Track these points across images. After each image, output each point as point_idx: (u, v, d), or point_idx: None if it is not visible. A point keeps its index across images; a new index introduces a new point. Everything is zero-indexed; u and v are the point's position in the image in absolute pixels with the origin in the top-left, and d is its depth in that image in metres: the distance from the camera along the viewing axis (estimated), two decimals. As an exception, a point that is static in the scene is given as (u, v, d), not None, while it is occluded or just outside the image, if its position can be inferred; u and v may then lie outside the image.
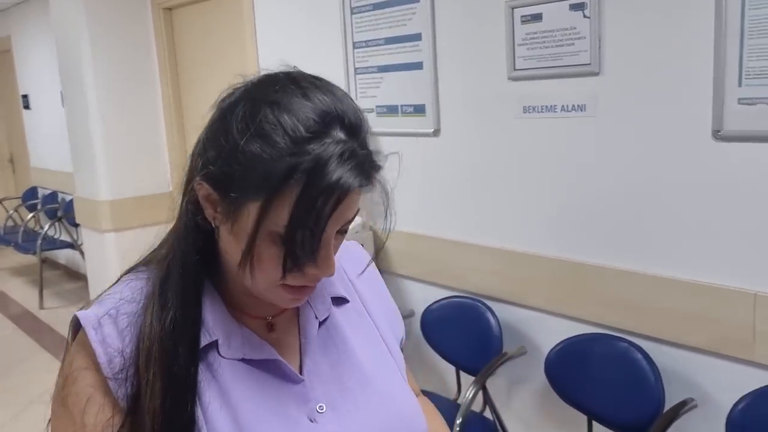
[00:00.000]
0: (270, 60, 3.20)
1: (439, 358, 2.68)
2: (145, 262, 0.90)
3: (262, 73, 0.83)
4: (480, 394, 2.41)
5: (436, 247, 2.72)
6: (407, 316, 2.85)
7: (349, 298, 0.99)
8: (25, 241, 6.13)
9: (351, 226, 2.86)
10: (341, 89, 0.82)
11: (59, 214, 6.08)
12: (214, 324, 0.85)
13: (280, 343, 0.89)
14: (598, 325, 2.23)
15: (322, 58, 3.06)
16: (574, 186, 2.24)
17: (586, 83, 2.14)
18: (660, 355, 2.06)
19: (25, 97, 6.79)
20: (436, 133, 2.64)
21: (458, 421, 2.21)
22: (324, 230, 0.75)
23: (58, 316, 5.29)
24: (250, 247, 0.77)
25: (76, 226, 5.26)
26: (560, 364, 2.27)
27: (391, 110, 2.80)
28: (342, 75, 2.96)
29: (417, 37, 2.63)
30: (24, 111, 6.91)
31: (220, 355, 0.84)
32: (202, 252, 0.85)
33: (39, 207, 6.56)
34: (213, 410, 0.81)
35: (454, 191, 2.63)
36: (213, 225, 0.82)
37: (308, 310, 0.93)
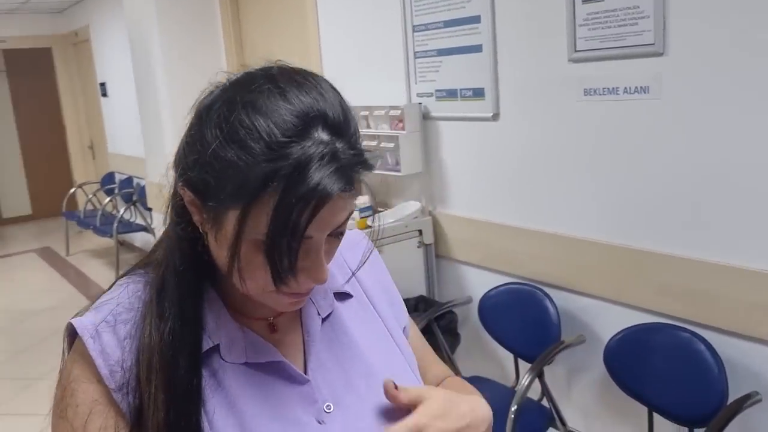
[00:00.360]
0: (331, 43, 3.18)
1: (497, 344, 2.65)
2: (143, 264, 0.87)
3: (243, 71, 0.78)
4: (538, 382, 2.38)
5: (494, 233, 2.69)
6: (465, 302, 2.83)
7: (352, 292, 0.95)
8: (103, 224, 6.37)
9: (410, 211, 2.83)
10: (328, 83, 0.77)
11: (134, 198, 6.31)
12: (215, 328, 0.82)
13: (283, 343, 0.86)
14: (659, 314, 2.17)
15: (382, 42, 3.05)
16: (636, 171, 2.17)
17: (650, 64, 2.06)
18: (724, 346, 1.98)
19: (102, 84, 7.04)
20: (495, 117, 2.60)
21: (513, 408, 2.19)
22: (301, 239, 0.71)
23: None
24: (234, 257, 0.73)
25: (150, 209, 5.44)
26: (620, 354, 2.21)
27: (450, 94, 2.77)
28: (401, 59, 2.95)
29: (476, 19, 2.59)
30: (102, 98, 7.16)
31: (222, 359, 0.81)
32: (196, 257, 0.81)
33: (116, 191, 6.81)
34: (218, 419, 0.78)
35: (514, 176, 2.59)
36: (201, 230, 0.78)
37: (310, 307, 0.89)
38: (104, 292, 0.85)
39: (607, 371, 2.23)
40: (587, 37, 2.22)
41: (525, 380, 2.27)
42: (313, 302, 0.90)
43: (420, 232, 2.91)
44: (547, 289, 2.49)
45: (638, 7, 2.05)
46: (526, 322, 2.53)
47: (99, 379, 0.77)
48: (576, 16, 2.23)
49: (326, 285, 0.89)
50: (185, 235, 0.80)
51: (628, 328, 2.20)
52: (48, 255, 7.26)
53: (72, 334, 0.81)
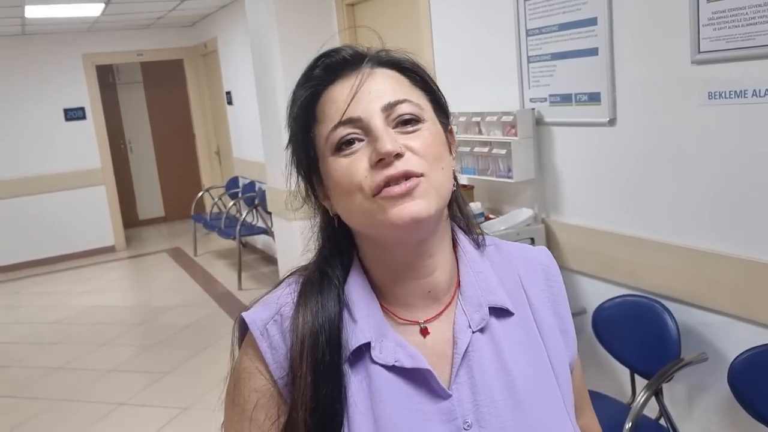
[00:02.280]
0: (444, 49, 3.15)
1: (612, 358, 2.55)
2: (306, 264, 0.92)
3: None
4: (655, 400, 2.26)
5: (611, 242, 2.59)
6: (579, 313, 2.74)
7: (513, 311, 0.89)
8: (227, 226, 6.67)
9: (522, 219, 2.75)
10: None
11: (256, 202, 6.55)
12: (368, 324, 0.84)
13: (432, 351, 0.85)
14: (792, 333, 2.01)
15: (495, 47, 3.01)
16: (766, 180, 2.02)
17: (783, 65, 1.92)
18: None
19: (228, 93, 7.37)
20: (612, 122, 2.50)
21: (627, 426, 2.09)
22: (311, 106, 0.86)
23: (253, 298, 5.73)
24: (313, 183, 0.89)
25: (270, 213, 5.64)
26: (746, 374, 2.07)
27: (565, 99, 2.70)
28: (515, 63, 2.90)
29: (592, 21, 2.51)
30: (228, 106, 7.50)
31: (372, 360, 0.83)
32: (336, 249, 0.89)
33: (239, 195, 7.10)
34: (357, 426, 0.81)
35: (631, 184, 2.48)
36: (330, 212, 0.87)
37: (462, 317, 0.87)
38: (273, 288, 0.92)
39: (732, 392, 2.09)
40: (712, 37, 2.09)
41: (641, 397, 2.17)
42: (466, 314, 0.87)
43: (532, 240, 2.84)
44: (666, 303, 2.37)
45: (769, 3, 1.92)
46: (643, 336, 2.41)
47: (267, 374, 0.84)
48: (700, 16, 2.11)
49: (482, 298, 0.88)
50: (324, 224, 0.90)
51: (756, 347, 2.06)
52: (178, 255, 7.69)
53: (243, 327, 0.89)
